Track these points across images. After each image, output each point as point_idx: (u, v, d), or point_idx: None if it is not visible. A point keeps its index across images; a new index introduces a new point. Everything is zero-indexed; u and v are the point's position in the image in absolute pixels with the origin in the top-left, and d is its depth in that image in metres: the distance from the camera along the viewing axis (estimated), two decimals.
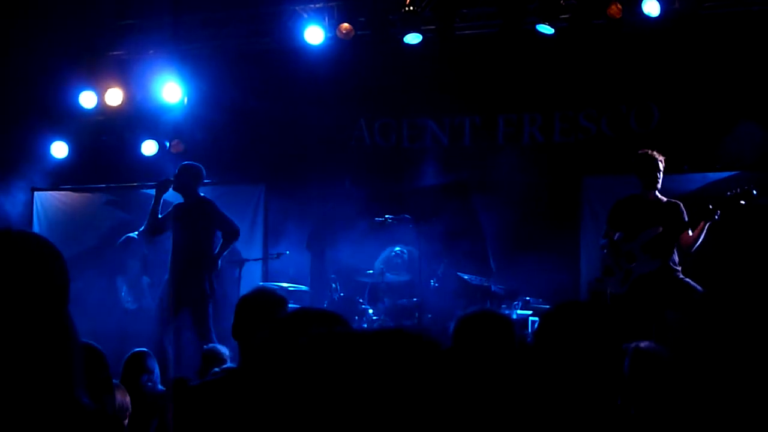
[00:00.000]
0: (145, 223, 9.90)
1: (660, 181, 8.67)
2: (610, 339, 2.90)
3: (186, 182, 9.71)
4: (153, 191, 12.04)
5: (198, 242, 9.50)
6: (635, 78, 10.99)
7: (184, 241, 9.51)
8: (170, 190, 9.85)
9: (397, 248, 10.81)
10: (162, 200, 9.86)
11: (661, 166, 8.64)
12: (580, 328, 2.92)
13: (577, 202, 11.28)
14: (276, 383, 1.51)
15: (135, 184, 12.47)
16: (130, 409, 5.25)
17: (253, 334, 4.14)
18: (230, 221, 9.68)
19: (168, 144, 12.02)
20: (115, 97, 11.68)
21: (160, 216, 9.80)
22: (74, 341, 2.04)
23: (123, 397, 5.07)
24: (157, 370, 6.80)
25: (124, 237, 11.23)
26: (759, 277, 9.18)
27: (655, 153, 8.68)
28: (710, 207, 8.19)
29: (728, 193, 8.20)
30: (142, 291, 11.19)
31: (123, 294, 11.10)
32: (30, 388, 1.92)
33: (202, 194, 9.82)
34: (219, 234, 9.68)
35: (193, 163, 9.90)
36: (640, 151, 8.83)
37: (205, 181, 10.02)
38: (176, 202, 9.94)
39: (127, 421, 5.28)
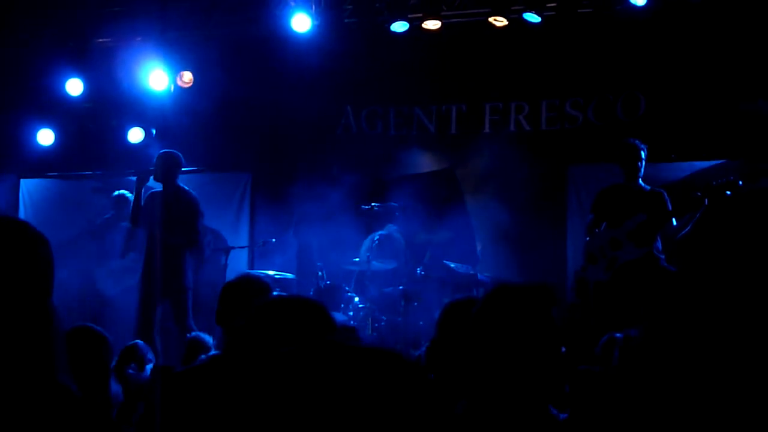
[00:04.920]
0: (129, 215, 9.83)
1: (642, 170, 8.72)
2: (548, 325, 2.90)
3: (165, 171, 9.60)
4: None
5: (176, 232, 9.41)
6: (622, 67, 11.01)
7: (162, 231, 9.43)
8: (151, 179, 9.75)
9: (382, 233, 10.83)
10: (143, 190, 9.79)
11: (643, 155, 8.68)
12: (515, 312, 2.92)
13: (564, 190, 11.32)
14: (255, 379, 1.52)
15: (121, 171, 12.45)
16: (121, 399, 5.29)
17: (236, 321, 4.16)
18: (196, 228, 9.61)
19: (154, 131, 12.01)
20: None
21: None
22: (56, 328, 2.04)
23: (117, 386, 5.10)
24: (152, 359, 6.83)
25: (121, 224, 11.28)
26: (742, 264, 9.20)
27: (636, 142, 8.72)
28: (698, 195, 8.23)
29: (714, 183, 8.24)
30: (120, 277, 11.17)
31: (100, 280, 11.06)
32: (12, 374, 1.92)
33: (184, 186, 9.73)
34: (201, 225, 9.65)
35: (171, 150, 9.78)
36: (621, 141, 8.88)
37: (191, 168, 9.97)
38: (152, 191, 9.85)
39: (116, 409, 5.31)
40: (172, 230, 9.34)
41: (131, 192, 9.95)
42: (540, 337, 2.85)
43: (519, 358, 2.83)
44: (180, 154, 9.72)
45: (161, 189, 9.64)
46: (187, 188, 9.68)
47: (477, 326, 2.97)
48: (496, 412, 2.83)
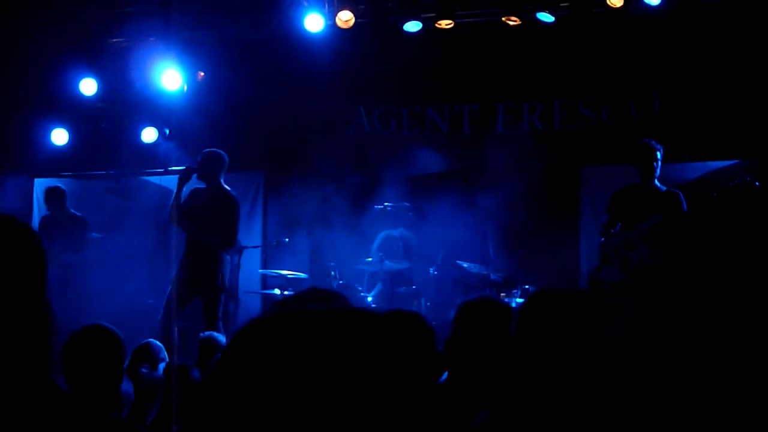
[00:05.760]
0: (169, 211, 9.75)
1: (658, 170, 8.69)
2: (591, 329, 2.87)
3: (209, 170, 9.56)
4: (153, 178, 12.05)
5: (214, 232, 9.39)
6: (635, 66, 10.97)
7: (201, 229, 9.41)
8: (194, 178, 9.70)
9: (394, 232, 10.81)
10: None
11: (659, 155, 8.66)
12: (559, 318, 2.89)
13: (577, 190, 11.30)
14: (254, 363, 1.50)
15: (135, 170, 12.49)
16: (132, 398, 5.29)
17: None
18: (234, 230, 9.59)
19: (167, 131, 12.03)
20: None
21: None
22: (51, 325, 2.03)
23: (128, 385, 5.10)
24: (165, 358, 6.83)
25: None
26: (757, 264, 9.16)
27: (652, 142, 8.69)
28: (714, 196, 8.19)
29: (730, 184, 8.19)
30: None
31: None
32: (5, 372, 1.92)
33: (226, 186, 9.68)
34: (239, 226, 9.63)
35: (216, 150, 9.70)
36: (637, 141, 8.84)
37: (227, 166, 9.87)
38: (196, 187, 9.80)
39: (127, 409, 5.31)
40: (209, 230, 9.34)
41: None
42: (580, 345, 2.81)
43: (560, 367, 2.79)
44: (224, 154, 9.64)
45: (205, 187, 9.63)
46: (228, 189, 9.63)
47: (518, 332, 2.92)
48: (526, 424, 2.78)
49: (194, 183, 9.72)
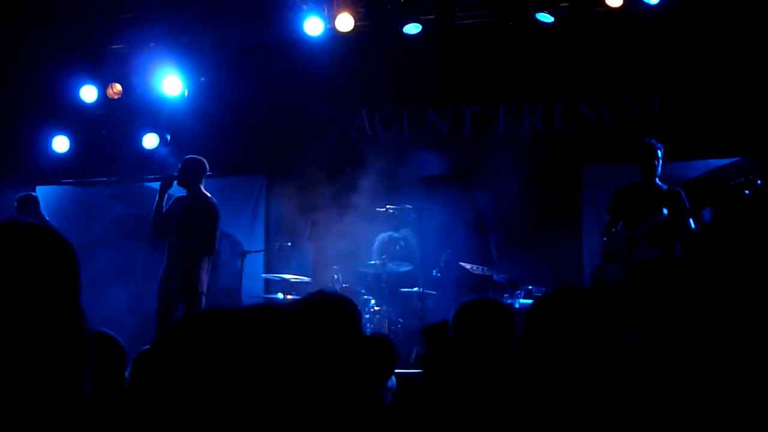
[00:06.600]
0: (151, 219, 9.77)
1: (659, 169, 8.69)
2: (605, 327, 2.84)
3: (188, 176, 9.59)
4: (155, 184, 12.04)
5: (193, 238, 9.39)
6: (636, 66, 10.97)
7: (180, 235, 9.42)
8: (175, 185, 9.71)
9: (395, 233, 10.81)
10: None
11: (660, 154, 8.66)
12: (573, 315, 2.86)
13: (579, 190, 11.29)
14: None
15: (137, 177, 12.48)
16: None
17: None
18: (213, 236, 9.56)
19: (168, 137, 12.01)
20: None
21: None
22: (84, 331, 2.03)
23: None
24: None
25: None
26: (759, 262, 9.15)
27: (653, 141, 8.70)
28: (716, 195, 8.20)
29: (732, 182, 8.18)
30: None
31: None
32: (39, 379, 1.92)
33: (207, 193, 9.69)
34: (218, 233, 9.60)
35: (195, 156, 9.75)
36: (638, 140, 8.85)
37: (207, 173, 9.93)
38: (177, 196, 9.83)
39: None
40: (189, 236, 9.34)
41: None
42: (595, 345, 2.78)
43: (575, 368, 2.75)
44: (204, 160, 9.67)
45: (185, 194, 9.65)
46: (209, 195, 9.62)
47: (527, 334, 2.89)
48: (538, 428, 2.74)
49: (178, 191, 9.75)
